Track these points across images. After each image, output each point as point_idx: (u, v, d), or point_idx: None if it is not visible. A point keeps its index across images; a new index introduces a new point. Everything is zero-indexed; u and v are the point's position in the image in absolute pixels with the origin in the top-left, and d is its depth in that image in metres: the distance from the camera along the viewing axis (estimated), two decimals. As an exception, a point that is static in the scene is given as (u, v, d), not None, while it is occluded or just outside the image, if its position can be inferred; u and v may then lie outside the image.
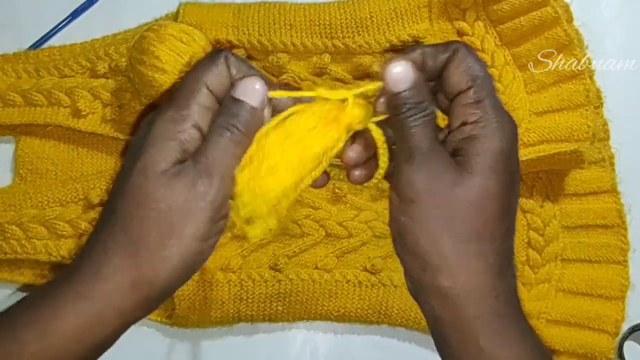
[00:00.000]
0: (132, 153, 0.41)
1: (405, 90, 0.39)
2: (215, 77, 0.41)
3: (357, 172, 0.43)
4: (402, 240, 0.40)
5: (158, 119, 0.40)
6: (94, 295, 0.38)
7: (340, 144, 0.41)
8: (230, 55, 0.41)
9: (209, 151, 0.39)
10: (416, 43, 0.53)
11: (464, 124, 0.39)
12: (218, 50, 0.42)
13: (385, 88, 0.39)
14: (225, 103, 0.40)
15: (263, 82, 0.40)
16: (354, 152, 0.43)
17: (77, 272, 0.39)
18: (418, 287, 0.40)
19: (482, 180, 0.38)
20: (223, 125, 0.39)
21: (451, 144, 0.40)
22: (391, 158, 0.41)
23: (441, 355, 0.42)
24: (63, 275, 0.40)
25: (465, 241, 0.38)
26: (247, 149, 0.40)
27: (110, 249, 0.39)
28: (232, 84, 0.41)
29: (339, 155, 0.42)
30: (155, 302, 0.40)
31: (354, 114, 0.40)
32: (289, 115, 0.40)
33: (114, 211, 0.40)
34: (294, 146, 0.40)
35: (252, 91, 0.40)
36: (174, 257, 0.39)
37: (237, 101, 0.40)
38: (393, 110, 0.40)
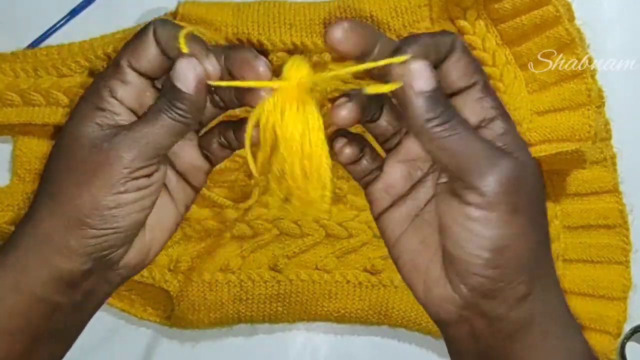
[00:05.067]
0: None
1: (428, 92, 0.36)
2: (140, 55, 0.39)
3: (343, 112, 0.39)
4: (498, 260, 0.36)
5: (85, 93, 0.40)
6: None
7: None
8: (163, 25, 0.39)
9: (141, 126, 0.38)
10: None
11: (483, 121, 0.38)
12: (147, 25, 0.39)
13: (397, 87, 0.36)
14: (164, 83, 0.39)
15: (199, 67, 0.38)
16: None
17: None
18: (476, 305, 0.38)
19: (525, 158, 0.38)
20: (159, 108, 0.38)
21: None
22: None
23: None
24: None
25: (544, 233, 0.39)
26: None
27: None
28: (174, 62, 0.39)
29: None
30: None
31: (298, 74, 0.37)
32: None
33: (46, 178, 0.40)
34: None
35: (185, 77, 0.38)
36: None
37: (173, 86, 0.38)
38: (412, 117, 0.36)
